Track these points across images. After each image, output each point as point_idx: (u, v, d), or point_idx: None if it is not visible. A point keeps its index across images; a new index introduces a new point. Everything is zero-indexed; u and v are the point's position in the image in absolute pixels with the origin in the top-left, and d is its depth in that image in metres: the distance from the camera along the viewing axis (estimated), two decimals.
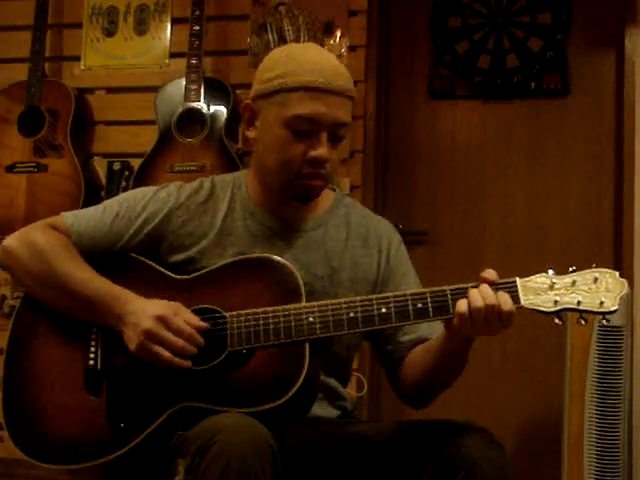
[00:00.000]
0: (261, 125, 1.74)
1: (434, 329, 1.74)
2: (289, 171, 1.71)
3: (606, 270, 1.54)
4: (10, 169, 3.31)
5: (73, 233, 1.78)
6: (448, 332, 1.60)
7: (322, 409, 1.77)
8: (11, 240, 1.78)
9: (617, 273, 1.54)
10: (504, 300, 1.52)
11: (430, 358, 1.70)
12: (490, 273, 1.56)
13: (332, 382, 1.81)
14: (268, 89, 1.71)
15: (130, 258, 1.78)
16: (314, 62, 1.70)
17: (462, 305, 1.54)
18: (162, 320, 1.60)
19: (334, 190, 1.89)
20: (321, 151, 1.68)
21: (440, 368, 1.69)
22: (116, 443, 1.61)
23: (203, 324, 1.63)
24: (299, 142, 1.69)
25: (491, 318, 1.52)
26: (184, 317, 1.62)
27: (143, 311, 1.62)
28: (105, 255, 1.78)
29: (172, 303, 1.64)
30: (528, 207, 3.39)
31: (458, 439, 1.57)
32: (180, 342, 1.60)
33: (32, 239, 1.76)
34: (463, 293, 1.56)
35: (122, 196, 1.85)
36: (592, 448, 2.77)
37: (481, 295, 1.53)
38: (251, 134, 1.77)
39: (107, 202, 1.83)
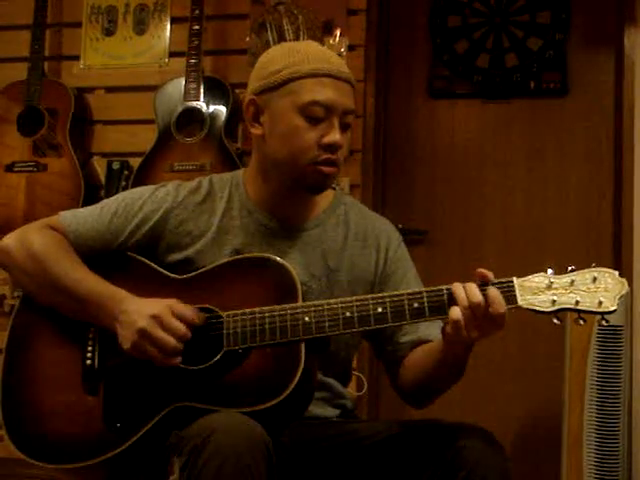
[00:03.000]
0: (269, 119, 1.73)
1: (434, 331, 1.73)
2: (305, 159, 1.70)
3: (605, 270, 1.52)
4: (9, 169, 3.29)
5: (70, 232, 1.78)
6: (445, 338, 1.59)
7: (321, 408, 1.77)
8: (8, 240, 1.78)
9: (616, 273, 1.51)
10: (495, 296, 1.50)
11: (431, 362, 1.69)
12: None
13: (331, 381, 1.81)
14: (276, 81, 1.71)
15: (128, 257, 1.78)
16: (317, 52, 1.73)
17: (454, 312, 1.52)
18: (156, 319, 1.60)
19: (334, 189, 1.89)
20: (335, 136, 1.69)
21: (440, 372, 1.68)
22: (112, 442, 1.62)
23: (201, 316, 1.63)
24: (313, 129, 1.69)
25: (480, 317, 1.50)
26: (180, 313, 1.62)
27: (137, 310, 1.62)
28: (103, 254, 1.78)
29: (168, 300, 1.64)
30: (527, 206, 3.39)
31: (459, 440, 1.57)
32: (173, 341, 1.59)
33: (29, 239, 1.76)
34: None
35: (120, 195, 1.84)
36: (592, 447, 2.77)
37: (467, 295, 1.51)
38: (257, 131, 1.76)
39: (105, 201, 1.83)
